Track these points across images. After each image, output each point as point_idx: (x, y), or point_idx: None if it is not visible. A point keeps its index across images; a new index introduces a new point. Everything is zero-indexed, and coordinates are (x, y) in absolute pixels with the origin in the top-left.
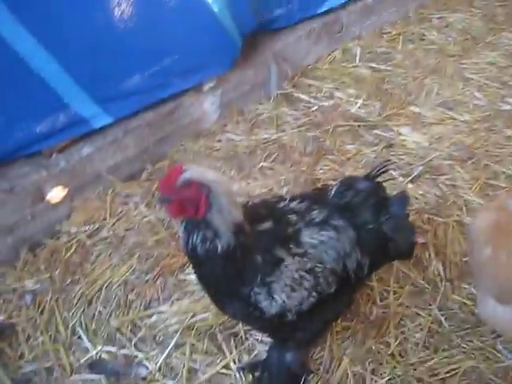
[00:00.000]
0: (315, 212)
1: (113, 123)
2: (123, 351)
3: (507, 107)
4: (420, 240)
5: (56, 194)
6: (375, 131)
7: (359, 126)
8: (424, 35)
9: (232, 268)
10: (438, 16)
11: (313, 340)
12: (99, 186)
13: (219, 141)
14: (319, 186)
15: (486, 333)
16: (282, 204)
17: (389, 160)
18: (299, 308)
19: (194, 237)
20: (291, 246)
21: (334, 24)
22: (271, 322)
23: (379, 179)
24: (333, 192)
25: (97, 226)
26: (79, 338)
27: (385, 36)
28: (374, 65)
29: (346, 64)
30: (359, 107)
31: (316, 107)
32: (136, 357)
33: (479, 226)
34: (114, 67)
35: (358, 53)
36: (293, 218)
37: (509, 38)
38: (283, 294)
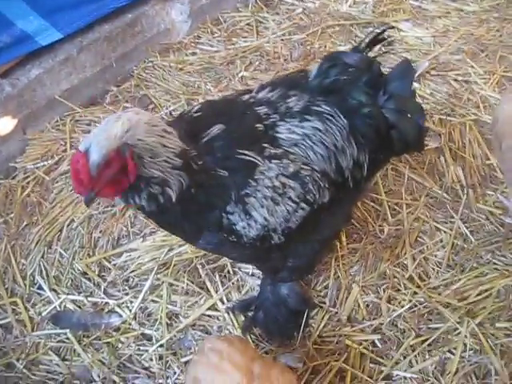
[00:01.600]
0: (293, 99)
1: (63, 39)
2: (91, 299)
3: None
4: (432, 144)
5: (4, 125)
6: (370, 29)
7: (352, 25)
8: None
9: (196, 205)
10: None
11: (310, 267)
12: (55, 114)
13: (193, 54)
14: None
15: None
16: (245, 97)
17: (385, 24)
18: (286, 226)
19: (136, 200)
20: (265, 145)
21: None
22: (253, 249)
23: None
24: (314, 72)
25: (56, 160)
26: (39, 287)
27: None
28: None
29: None
30: (350, 5)
31: (300, 9)
32: (106, 304)
33: (508, 115)
34: None
35: None
36: (262, 110)
37: None
38: (263, 209)
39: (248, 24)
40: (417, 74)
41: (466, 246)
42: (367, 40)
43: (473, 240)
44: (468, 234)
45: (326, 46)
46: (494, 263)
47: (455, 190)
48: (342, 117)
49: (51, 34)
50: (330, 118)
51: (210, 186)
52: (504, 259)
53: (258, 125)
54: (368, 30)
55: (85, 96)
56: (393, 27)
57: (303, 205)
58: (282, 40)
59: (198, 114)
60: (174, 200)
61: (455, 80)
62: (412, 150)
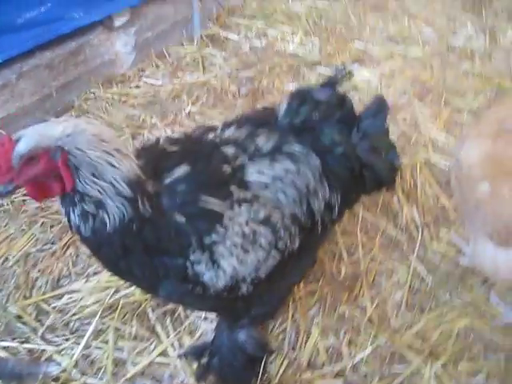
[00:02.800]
0: (261, 138)
1: (2, 64)
2: (26, 345)
3: (459, 42)
4: None
5: None
6: (318, 70)
7: (299, 64)
8: None
9: (141, 244)
10: None
11: (272, 313)
12: None
13: (137, 87)
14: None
15: (476, 285)
16: (211, 135)
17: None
18: (255, 275)
19: (72, 214)
20: (233, 188)
21: None
22: (218, 300)
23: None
24: (283, 110)
25: None
26: None
27: None
28: (308, 2)
29: (278, 2)
30: (296, 46)
31: (247, 47)
32: (44, 351)
33: (471, 158)
34: None
35: None
36: (229, 150)
37: None
38: (232, 258)
39: (194, 60)
40: None
41: (423, 286)
42: (336, 75)
43: (430, 280)
44: (425, 274)
45: (273, 84)
46: (452, 303)
47: (409, 230)
48: (314, 156)
49: None
50: (302, 158)
51: (162, 229)
52: (461, 299)
53: (225, 166)
54: (315, 71)
55: (22, 125)
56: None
57: (274, 252)
58: (230, 76)
59: (164, 149)
60: (108, 229)
61: (404, 120)
62: (382, 188)
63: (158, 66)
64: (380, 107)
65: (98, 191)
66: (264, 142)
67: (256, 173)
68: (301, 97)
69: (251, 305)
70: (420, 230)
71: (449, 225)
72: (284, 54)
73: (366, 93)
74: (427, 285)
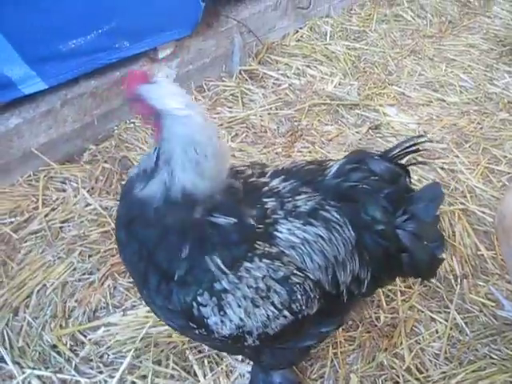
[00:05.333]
0: (302, 197)
1: (48, 90)
2: (60, 376)
3: (496, 90)
4: None
5: None
6: (357, 111)
7: (338, 105)
8: (399, 15)
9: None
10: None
11: (291, 365)
12: (29, 168)
13: None
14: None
15: None
16: (261, 181)
17: (421, 136)
18: (263, 331)
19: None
20: (258, 243)
21: None
22: (223, 343)
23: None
24: (333, 170)
25: (25, 217)
26: (1, 359)
27: (355, 16)
28: (347, 43)
29: (316, 42)
30: (335, 86)
31: (286, 85)
32: (78, 383)
33: None
34: (50, 21)
35: (329, 30)
36: (270, 204)
37: (486, 22)
38: (240, 309)
39: (232, 94)
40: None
41: (461, 338)
42: (398, 150)
43: (468, 332)
44: (463, 325)
45: (313, 124)
46: (491, 357)
47: (448, 280)
48: (350, 229)
49: (36, 83)
50: (338, 227)
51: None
52: (500, 353)
53: (259, 225)
54: (354, 113)
55: (62, 152)
56: (421, 135)
57: (286, 313)
58: (269, 114)
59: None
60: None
61: (441, 168)
62: (420, 277)
63: (197, 100)
64: (435, 195)
65: (170, 166)
66: (304, 201)
67: (287, 231)
68: (355, 161)
69: (260, 354)
70: (459, 279)
71: (487, 275)
72: (322, 93)
73: (405, 137)
74: (466, 336)
